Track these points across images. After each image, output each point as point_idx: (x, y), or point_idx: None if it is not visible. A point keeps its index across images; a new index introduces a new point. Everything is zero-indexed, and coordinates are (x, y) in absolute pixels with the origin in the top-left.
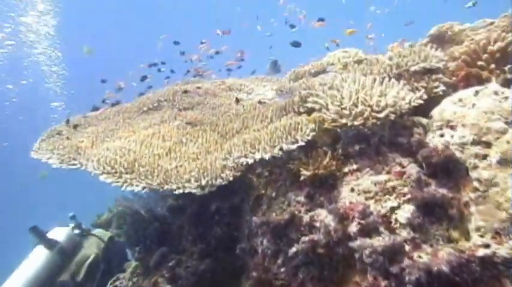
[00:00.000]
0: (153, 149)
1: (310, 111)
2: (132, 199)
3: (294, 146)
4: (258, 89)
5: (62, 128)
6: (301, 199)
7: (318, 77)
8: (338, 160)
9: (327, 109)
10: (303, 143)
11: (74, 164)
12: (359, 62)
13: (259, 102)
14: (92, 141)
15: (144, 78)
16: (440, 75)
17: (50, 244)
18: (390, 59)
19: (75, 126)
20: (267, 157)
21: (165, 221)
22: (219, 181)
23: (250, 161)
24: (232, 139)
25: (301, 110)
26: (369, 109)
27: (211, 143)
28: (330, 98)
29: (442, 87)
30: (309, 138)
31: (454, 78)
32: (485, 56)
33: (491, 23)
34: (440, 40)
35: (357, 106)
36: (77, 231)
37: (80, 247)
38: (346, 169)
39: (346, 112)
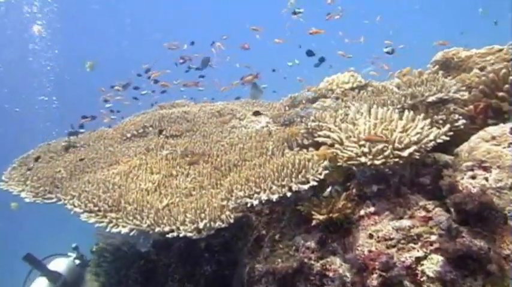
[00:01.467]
0: (140, 183)
1: (317, 144)
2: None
3: (305, 187)
4: (250, 115)
5: (36, 155)
6: (312, 244)
7: (315, 104)
8: (351, 201)
9: (341, 144)
10: (315, 183)
11: (50, 198)
12: (362, 88)
13: (256, 131)
14: (70, 171)
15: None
16: (456, 107)
17: (53, 276)
18: (398, 87)
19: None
20: (274, 198)
21: (149, 258)
22: (218, 224)
23: (255, 202)
24: (229, 174)
25: (306, 142)
26: (390, 147)
27: (205, 177)
28: (344, 132)
29: (463, 121)
30: (321, 177)
31: (466, 108)
32: (506, 86)
33: (500, 50)
34: (447, 67)
35: (376, 143)
36: (78, 262)
37: (82, 280)
38: (362, 212)
39: (365, 150)
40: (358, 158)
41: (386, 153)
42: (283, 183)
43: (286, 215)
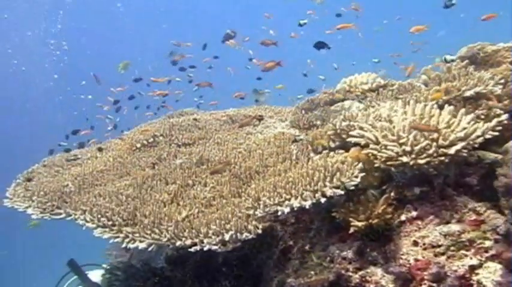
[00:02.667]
0: (155, 194)
1: (345, 146)
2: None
3: (341, 192)
4: (264, 121)
5: (40, 170)
6: (348, 254)
7: (334, 106)
8: (389, 205)
9: (377, 144)
10: (351, 187)
11: (59, 214)
12: (382, 88)
13: (275, 136)
14: (78, 185)
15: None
16: (495, 102)
17: None
18: (426, 84)
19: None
20: (307, 204)
21: (163, 275)
22: (245, 235)
23: (287, 210)
24: (251, 182)
25: (332, 145)
26: (434, 144)
27: (224, 186)
28: (380, 131)
29: (505, 115)
30: (358, 180)
31: (500, 104)
32: None
33: None
34: (473, 62)
35: (418, 141)
36: None
37: None
38: (403, 217)
39: (407, 149)
40: (400, 158)
41: (430, 151)
42: (316, 188)
43: (315, 223)
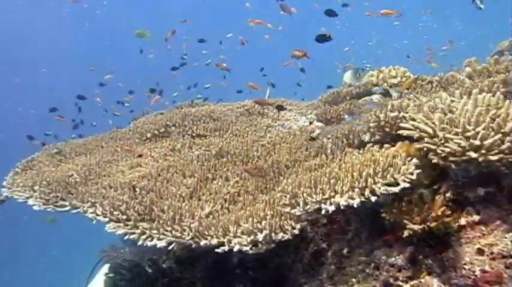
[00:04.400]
0: (172, 187)
1: (384, 139)
2: (122, 247)
3: (395, 190)
4: (283, 114)
5: (41, 159)
6: (398, 260)
7: (362, 99)
8: (446, 206)
9: (432, 138)
10: (407, 185)
11: (63, 206)
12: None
13: (301, 130)
14: (84, 175)
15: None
16: None
17: None
18: (470, 77)
19: (58, 153)
20: (355, 203)
21: (173, 276)
22: (281, 236)
23: (331, 208)
24: (283, 177)
25: (372, 138)
26: (508, 139)
27: (249, 181)
28: (438, 122)
29: None
30: (413, 178)
31: None
32: None
33: None
34: None
35: (489, 134)
36: None
37: None
38: (462, 221)
39: (476, 143)
40: (467, 153)
41: (503, 147)
42: (365, 185)
43: (352, 225)
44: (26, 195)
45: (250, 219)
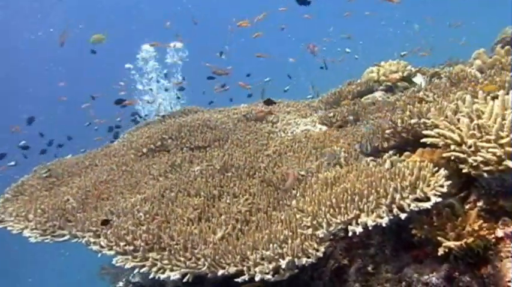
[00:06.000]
0: (178, 209)
1: (400, 146)
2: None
3: (426, 205)
4: (283, 118)
5: (32, 182)
6: (432, 279)
7: (364, 98)
8: (479, 217)
9: (460, 145)
10: (438, 200)
11: (62, 236)
12: (412, 77)
13: (306, 136)
14: (81, 199)
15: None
16: None
17: None
18: (481, 70)
19: (49, 175)
20: (383, 222)
21: None
22: (305, 260)
23: (359, 229)
24: (296, 191)
25: (385, 145)
26: None
27: (258, 197)
28: (466, 129)
29: None
30: (444, 191)
31: None
32: None
33: None
34: None
35: None
36: None
37: None
38: (499, 233)
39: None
40: (505, 163)
41: None
42: (393, 201)
43: (373, 238)
44: (20, 226)
45: (269, 244)
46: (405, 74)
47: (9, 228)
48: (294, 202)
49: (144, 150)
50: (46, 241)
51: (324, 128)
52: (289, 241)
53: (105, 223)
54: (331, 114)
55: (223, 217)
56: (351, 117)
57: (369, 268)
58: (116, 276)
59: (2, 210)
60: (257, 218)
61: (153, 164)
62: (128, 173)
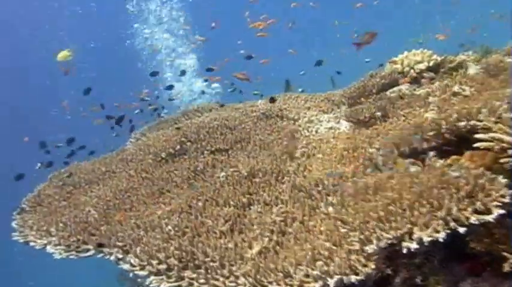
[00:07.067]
0: (208, 221)
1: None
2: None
3: (489, 219)
4: (303, 114)
5: (49, 191)
6: None
7: (390, 91)
8: None
9: None
10: (502, 212)
11: (87, 250)
12: (440, 67)
13: (334, 136)
14: (103, 210)
15: None
16: None
17: None
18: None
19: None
20: (440, 237)
21: None
22: (354, 278)
23: (414, 246)
24: (328, 198)
25: (425, 146)
26: None
27: (291, 205)
28: None
29: None
30: (507, 201)
31: None
32: None
33: None
34: None
35: None
36: None
37: None
38: None
39: None
40: None
41: None
42: (449, 214)
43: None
44: (43, 241)
45: (315, 261)
46: (431, 64)
47: (31, 243)
48: (330, 209)
49: (163, 155)
50: (71, 257)
51: (349, 125)
52: (335, 257)
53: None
54: (359, 110)
55: (256, 227)
56: (379, 114)
57: (417, 280)
58: (135, 282)
59: (21, 223)
60: (294, 229)
61: (174, 170)
62: (149, 181)
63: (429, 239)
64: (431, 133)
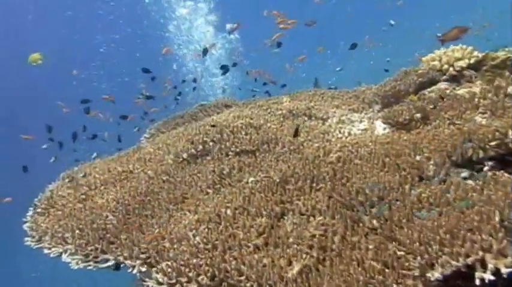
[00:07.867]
0: (240, 233)
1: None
2: None
3: None
4: (333, 113)
5: (62, 193)
6: None
7: (428, 91)
8: None
9: None
10: None
11: (106, 261)
12: (481, 64)
13: (372, 139)
14: (122, 216)
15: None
16: None
17: None
18: None
19: (78, 184)
20: None
21: None
22: None
23: (489, 277)
24: (372, 210)
25: (481, 154)
26: None
27: (330, 216)
28: None
29: None
30: None
31: None
32: None
33: None
34: None
35: None
36: None
37: None
38: None
39: None
40: None
41: None
42: None
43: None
44: (58, 249)
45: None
46: (472, 61)
47: (46, 251)
48: (375, 222)
49: (185, 155)
50: (89, 267)
51: (385, 127)
52: (390, 282)
53: None
54: (398, 111)
55: (292, 241)
56: (418, 115)
57: None
58: None
59: (34, 226)
60: (337, 247)
61: (198, 173)
62: (171, 184)
63: (508, 270)
64: (493, 143)
